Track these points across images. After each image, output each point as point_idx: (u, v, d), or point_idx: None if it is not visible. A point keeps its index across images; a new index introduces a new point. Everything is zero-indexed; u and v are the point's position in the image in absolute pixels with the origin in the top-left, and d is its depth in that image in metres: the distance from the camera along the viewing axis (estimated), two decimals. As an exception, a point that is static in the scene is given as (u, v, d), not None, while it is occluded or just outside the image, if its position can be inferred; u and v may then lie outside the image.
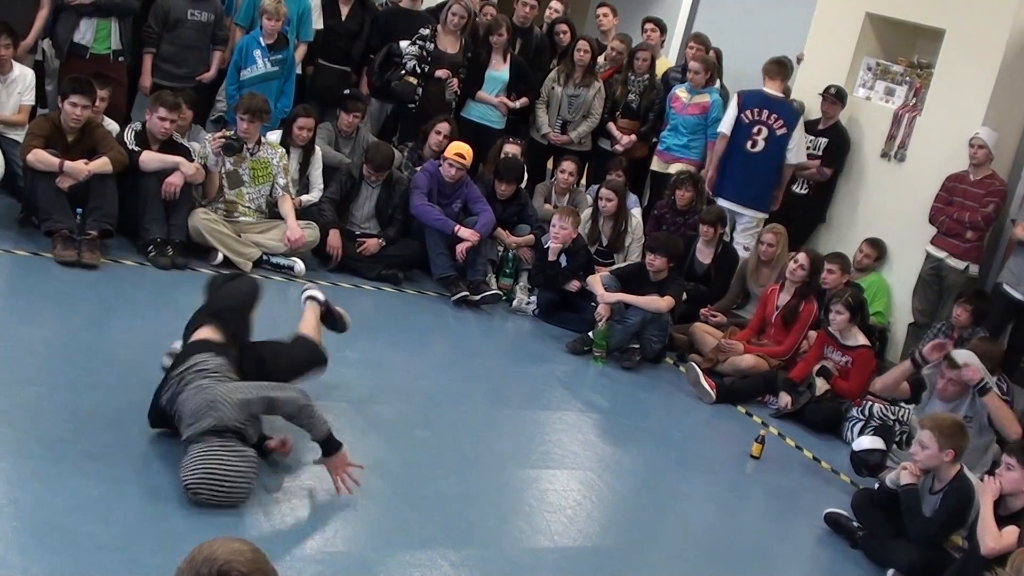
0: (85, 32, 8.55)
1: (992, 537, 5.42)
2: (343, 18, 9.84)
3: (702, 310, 8.91)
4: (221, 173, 8.24)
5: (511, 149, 9.57)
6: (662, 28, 11.28)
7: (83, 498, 4.55)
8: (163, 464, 5.01)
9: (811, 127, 9.75)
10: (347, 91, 9.82)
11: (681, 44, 12.82)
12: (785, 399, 7.90)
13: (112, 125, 8.15)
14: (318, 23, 9.73)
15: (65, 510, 4.43)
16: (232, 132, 8.27)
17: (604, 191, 9.33)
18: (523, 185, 9.62)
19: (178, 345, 5.55)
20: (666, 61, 11.55)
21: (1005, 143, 8.90)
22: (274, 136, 8.73)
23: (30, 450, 4.83)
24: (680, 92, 10.18)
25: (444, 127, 9.24)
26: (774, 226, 9.09)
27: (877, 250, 9.36)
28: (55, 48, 8.68)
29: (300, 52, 9.56)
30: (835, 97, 9.57)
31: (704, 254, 9.27)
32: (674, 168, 10.04)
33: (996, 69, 8.81)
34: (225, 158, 8.19)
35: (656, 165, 10.39)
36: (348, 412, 6.12)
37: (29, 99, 8.13)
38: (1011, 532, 5.38)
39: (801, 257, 8.40)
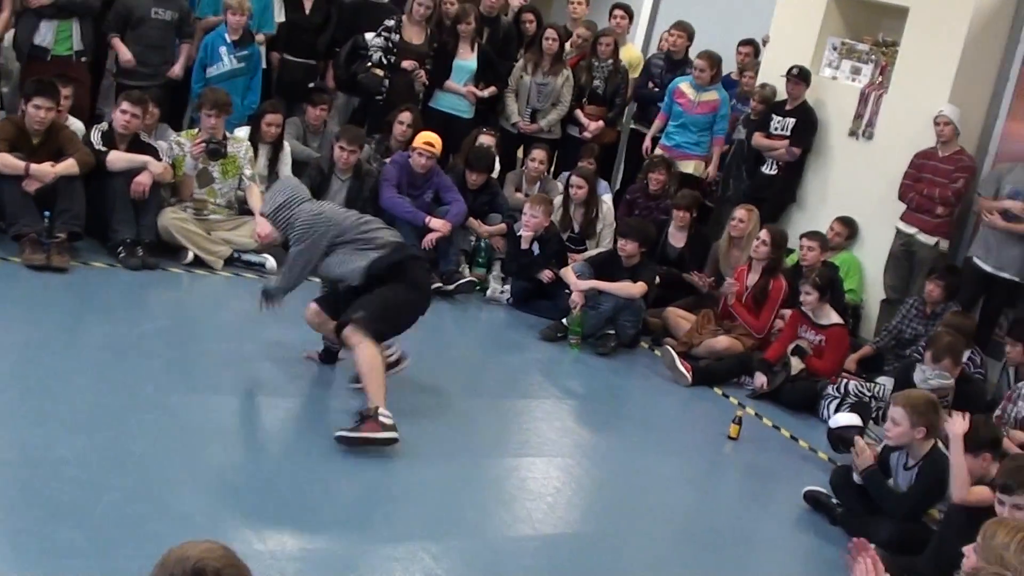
0: (45, 34, 8.44)
1: (961, 483, 5.45)
2: (307, 12, 9.80)
3: (690, 275, 9.01)
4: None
5: (486, 140, 9.56)
6: (631, 15, 11.28)
7: (59, 503, 4.52)
8: (139, 467, 4.99)
9: (778, 108, 9.76)
10: (312, 84, 9.79)
11: (647, 29, 12.82)
12: (761, 379, 7.92)
13: (76, 124, 8.07)
14: (280, 16, 9.68)
15: (41, 516, 4.40)
16: (211, 137, 8.20)
17: (575, 178, 9.34)
18: (494, 175, 9.61)
19: None
20: (632, 47, 11.52)
21: (971, 118, 8.92)
22: (242, 132, 8.70)
23: (4, 457, 4.80)
24: (685, 88, 10.12)
25: (407, 116, 9.20)
26: (746, 204, 9.12)
27: (848, 228, 9.39)
28: (16, 51, 8.61)
29: (259, 39, 9.48)
30: (798, 77, 9.58)
31: (676, 238, 9.29)
32: (684, 166, 10.10)
33: (960, 46, 8.82)
34: (209, 161, 8.17)
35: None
36: (323, 404, 6.11)
37: None
38: (983, 490, 5.40)
39: (763, 233, 8.44)
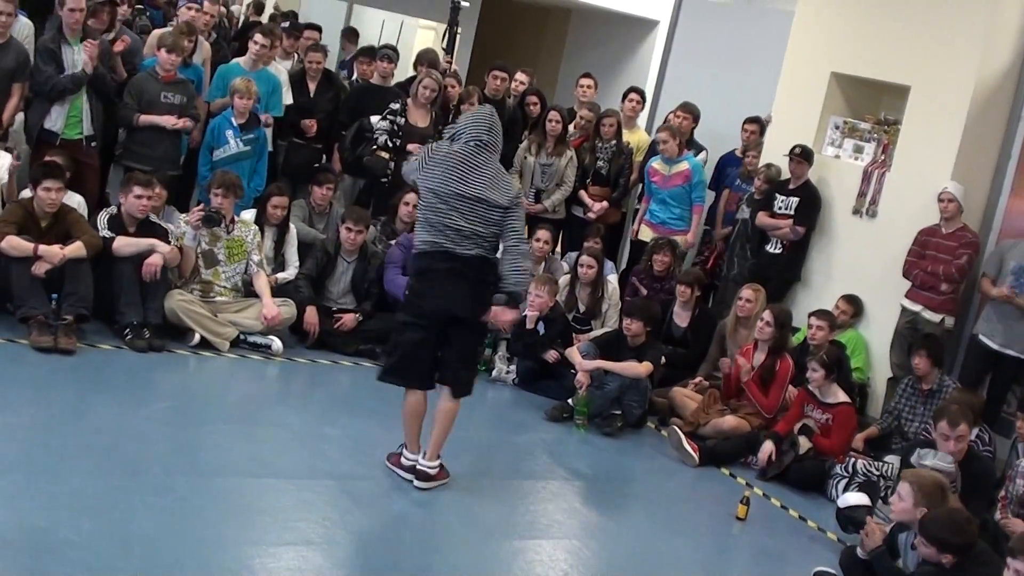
0: (56, 119, 8.53)
1: None
2: (312, 95, 9.92)
3: (691, 381, 8.92)
4: (197, 252, 8.25)
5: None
6: (645, 99, 11.39)
7: (63, 587, 4.49)
8: (145, 550, 4.95)
9: (782, 187, 9.82)
10: (317, 165, 9.87)
11: (650, 109, 12.93)
12: (768, 447, 7.83)
13: (76, 198, 8.08)
14: (288, 99, 9.79)
15: (45, 600, 4.37)
16: (209, 206, 8.27)
17: (585, 258, 9.37)
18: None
19: None
20: (641, 130, 11.56)
21: (974, 195, 8.97)
22: (248, 215, 8.75)
23: (9, 539, 4.77)
24: (657, 165, 10.23)
25: (412, 197, 9.20)
26: (752, 284, 9.13)
27: (854, 306, 9.39)
28: (25, 134, 8.69)
29: (266, 120, 9.59)
30: (800, 157, 9.65)
31: (681, 317, 9.29)
32: None
33: (962, 123, 8.90)
34: (202, 236, 8.21)
35: (647, 236, 10.28)
36: (330, 489, 6.08)
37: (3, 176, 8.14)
38: None
39: (766, 314, 8.44)
